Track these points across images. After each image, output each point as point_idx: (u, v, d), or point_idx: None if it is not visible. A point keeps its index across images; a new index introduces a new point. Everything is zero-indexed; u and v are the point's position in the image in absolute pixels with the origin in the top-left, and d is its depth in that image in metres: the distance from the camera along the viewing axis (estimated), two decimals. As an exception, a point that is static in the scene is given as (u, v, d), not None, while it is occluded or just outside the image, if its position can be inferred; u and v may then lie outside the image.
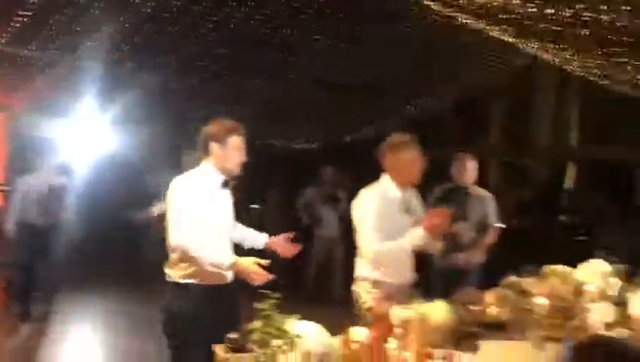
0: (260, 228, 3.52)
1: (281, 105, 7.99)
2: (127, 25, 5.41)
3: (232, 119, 3.18)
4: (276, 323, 2.30)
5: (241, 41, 5.95)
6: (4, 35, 5.36)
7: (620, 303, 3.27)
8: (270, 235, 3.40)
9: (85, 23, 5.38)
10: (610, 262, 4.17)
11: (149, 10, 5.19)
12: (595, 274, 4.10)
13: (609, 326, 3.14)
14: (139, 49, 5.94)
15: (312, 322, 2.46)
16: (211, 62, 6.48)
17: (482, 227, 4.76)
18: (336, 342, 2.46)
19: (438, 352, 2.46)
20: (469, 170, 4.79)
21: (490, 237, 4.78)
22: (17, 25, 5.14)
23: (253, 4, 5.27)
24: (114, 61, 6.13)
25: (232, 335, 2.35)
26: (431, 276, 4.61)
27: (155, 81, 6.73)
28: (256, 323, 2.32)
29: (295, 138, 9.85)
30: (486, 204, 4.82)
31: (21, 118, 8.15)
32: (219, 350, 2.39)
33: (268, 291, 2.39)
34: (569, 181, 11.35)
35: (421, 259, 3.60)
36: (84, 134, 8.43)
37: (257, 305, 2.34)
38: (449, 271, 4.59)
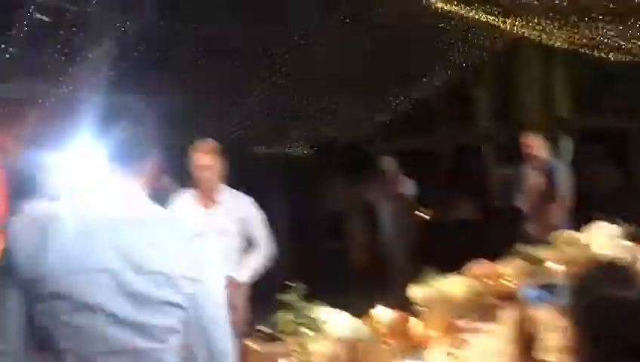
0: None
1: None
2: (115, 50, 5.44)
3: None
4: (303, 312, 2.34)
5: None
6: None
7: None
8: None
9: (70, 52, 5.38)
10: (613, 223, 4.19)
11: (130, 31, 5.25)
12: (603, 237, 4.14)
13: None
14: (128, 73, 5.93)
15: (336, 309, 2.50)
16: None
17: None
18: (362, 325, 2.50)
19: (462, 323, 2.50)
20: (536, 146, 5.21)
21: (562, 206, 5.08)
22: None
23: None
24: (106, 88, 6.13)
25: (261, 327, 2.40)
26: None
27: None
28: (284, 314, 2.36)
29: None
30: (556, 174, 5.19)
31: (17, 157, 8.08)
32: (250, 342, 2.43)
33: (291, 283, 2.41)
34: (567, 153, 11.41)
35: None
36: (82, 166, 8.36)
37: (282, 297, 2.37)
38: None
